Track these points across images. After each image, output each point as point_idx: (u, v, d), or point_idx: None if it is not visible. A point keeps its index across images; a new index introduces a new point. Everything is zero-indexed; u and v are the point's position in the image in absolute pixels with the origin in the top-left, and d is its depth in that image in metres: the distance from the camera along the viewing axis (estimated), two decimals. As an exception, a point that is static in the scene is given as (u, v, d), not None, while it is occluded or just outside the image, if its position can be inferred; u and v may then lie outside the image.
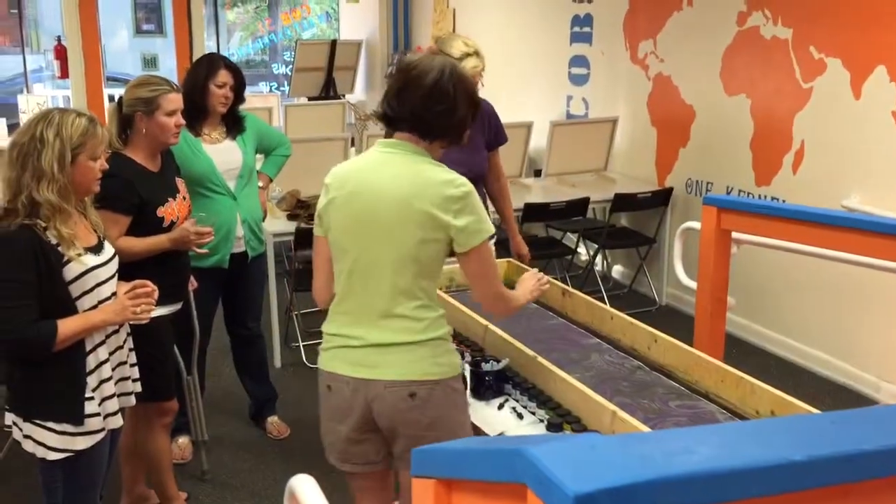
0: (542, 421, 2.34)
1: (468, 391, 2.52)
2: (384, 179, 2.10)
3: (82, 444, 2.32)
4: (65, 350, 2.25)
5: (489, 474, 0.98)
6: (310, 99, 8.51)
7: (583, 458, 0.85)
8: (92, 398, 2.33)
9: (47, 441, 2.29)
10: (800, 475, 0.87)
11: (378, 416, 2.15)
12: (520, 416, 2.41)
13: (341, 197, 2.16)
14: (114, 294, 2.40)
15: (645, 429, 2.09)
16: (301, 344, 4.71)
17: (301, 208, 4.69)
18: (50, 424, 2.28)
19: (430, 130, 2.11)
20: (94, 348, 2.35)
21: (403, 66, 2.15)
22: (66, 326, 2.23)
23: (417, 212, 2.05)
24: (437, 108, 2.07)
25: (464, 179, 2.11)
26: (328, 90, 8.59)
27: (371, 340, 2.13)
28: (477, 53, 3.19)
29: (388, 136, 2.20)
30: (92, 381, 2.34)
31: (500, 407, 2.47)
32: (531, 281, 2.45)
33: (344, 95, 8.64)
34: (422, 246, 2.07)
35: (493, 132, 3.51)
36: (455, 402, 2.21)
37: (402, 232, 2.07)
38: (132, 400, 2.57)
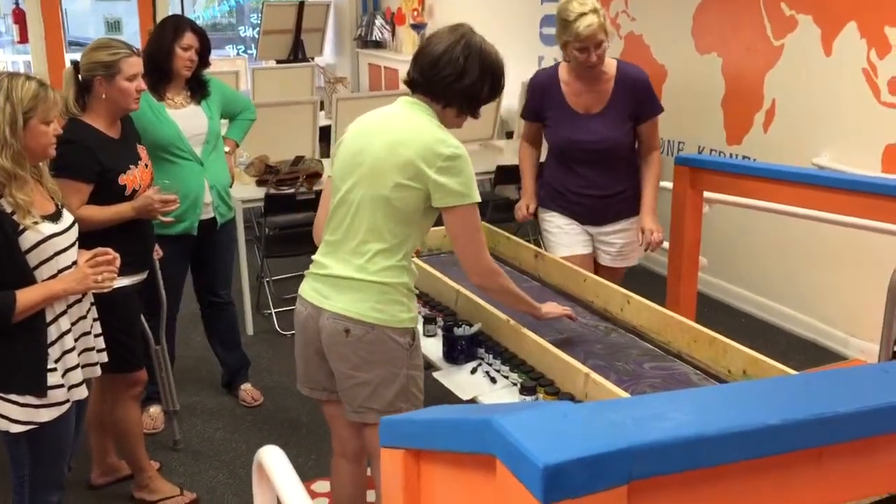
0: (515, 385, 2.33)
1: (430, 356, 2.50)
2: (383, 125, 2.26)
3: (46, 416, 2.28)
4: (25, 321, 2.20)
5: (458, 445, 0.96)
6: (278, 62, 8.37)
7: (553, 427, 0.82)
8: (55, 369, 2.28)
9: (10, 413, 2.25)
10: (775, 439, 0.85)
11: (323, 344, 2.28)
12: (493, 380, 2.40)
13: (347, 139, 2.31)
14: (74, 263, 2.35)
15: (619, 391, 2.08)
16: (273, 311, 4.67)
17: (270, 173, 4.62)
18: (12, 397, 2.24)
19: (439, 94, 2.23)
20: (56, 318, 2.30)
21: (427, 36, 2.32)
22: (26, 296, 2.18)
23: (400, 157, 2.15)
24: (443, 72, 2.20)
25: (459, 144, 2.19)
26: (296, 53, 8.44)
27: (332, 271, 2.25)
28: (595, 11, 2.97)
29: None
30: (54, 352, 2.29)
31: (473, 371, 2.46)
32: (560, 308, 2.59)
33: (313, 58, 8.50)
34: (397, 190, 2.16)
35: (641, 103, 3.20)
36: (390, 353, 2.23)
37: (382, 173, 2.17)
38: (97, 371, 2.53)
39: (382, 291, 2.21)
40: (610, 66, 3.16)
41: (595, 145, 3.17)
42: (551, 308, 2.55)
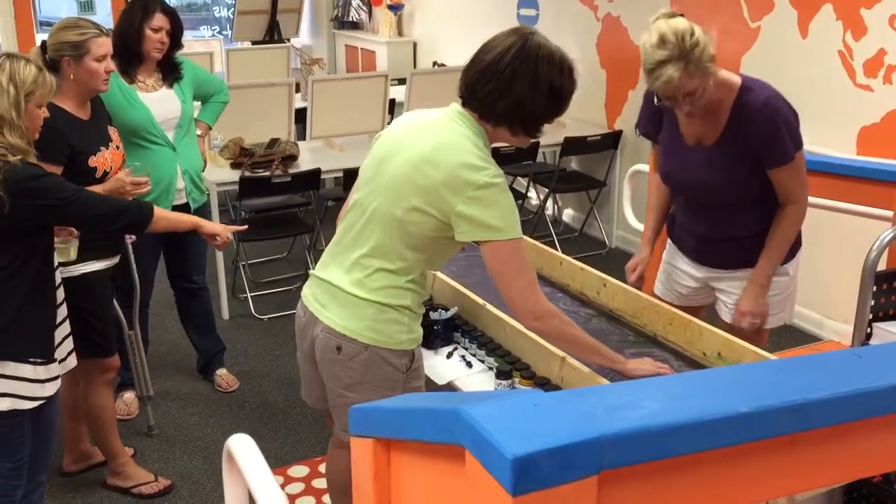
0: (491, 369, 2.32)
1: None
2: (418, 135, 2.00)
3: (50, 389, 2.33)
4: (41, 285, 2.28)
5: (428, 435, 0.94)
6: (253, 43, 8.27)
7: (522, 417, 0.81)
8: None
9: (23, 391, 2.27)
10: (747, 427, 0.84)
11: (316, 357, 2.15)
12: (469, 364, 2.39)
13: (384, 136, 2.10)
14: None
15: (594, 374, 2.07)
16: (249, 295, 4.63)
17: (245, 156, 4.57)
18: (23, 372, 2.26)
19: (486, 112, 1.94)
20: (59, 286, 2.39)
21: (486, 41, 1.98)
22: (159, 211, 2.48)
23: (424, 178, 1.92)
24: (486, 87, 1.90)
25: (497, 172, 1.91)
26: (272, 34, 8.34)
27: (331, 279, 2.09)
28: (680, 56, 2.20)
29: None
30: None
31: (449, 356, 2.44)
32: (653, 363, 2.14)
33: (289, 39, 8.41)
34: (411, 213, 1.94)
35: (760, 144, 2.36)
36: (383, 376, 2.06)
37: (400, 191, 1.96)
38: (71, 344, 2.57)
39: (380, 310, 2.02)
40: (730, 88, 2.38)
41: (695, 185, 2.50)
42: (640, 364, 2.11)
